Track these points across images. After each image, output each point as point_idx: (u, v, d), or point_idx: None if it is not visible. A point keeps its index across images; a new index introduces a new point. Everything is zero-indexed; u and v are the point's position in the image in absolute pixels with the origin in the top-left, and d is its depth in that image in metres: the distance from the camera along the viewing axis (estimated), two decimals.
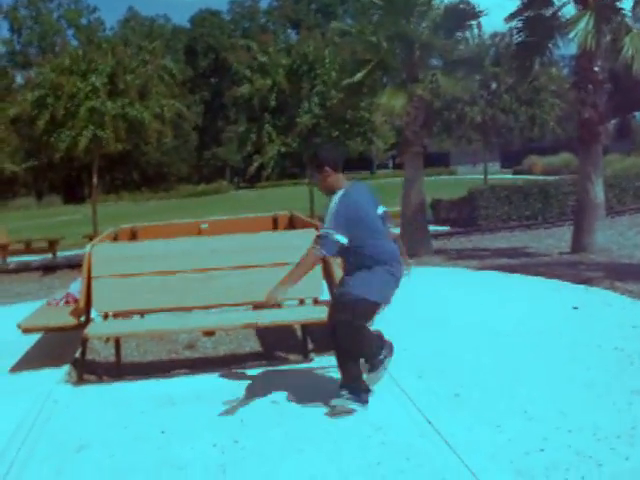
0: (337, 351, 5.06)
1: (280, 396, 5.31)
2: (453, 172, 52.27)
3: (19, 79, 56.79)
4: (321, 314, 6.17)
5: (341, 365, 5.06)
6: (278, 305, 7.03)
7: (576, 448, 4.10)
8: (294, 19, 78.63)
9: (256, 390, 5.51)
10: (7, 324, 6.94)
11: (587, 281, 9.09)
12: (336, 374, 5.37)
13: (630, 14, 12.07)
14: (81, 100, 18.85)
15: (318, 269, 6.57)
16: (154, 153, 49.97)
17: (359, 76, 14.40)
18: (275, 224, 8.90)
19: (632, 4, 11.98)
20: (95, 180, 21.00)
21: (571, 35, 11.67)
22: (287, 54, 21.19)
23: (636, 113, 46.36)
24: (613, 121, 17.97)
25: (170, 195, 52.66)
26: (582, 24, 11.47)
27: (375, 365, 5.08)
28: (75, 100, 18.87)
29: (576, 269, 10.33)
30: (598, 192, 12.31)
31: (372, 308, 4.99)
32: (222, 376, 5.98)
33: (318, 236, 4.95)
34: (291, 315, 6.46)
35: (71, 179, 57.37)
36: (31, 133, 21.32)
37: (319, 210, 20.21)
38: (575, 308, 7.52)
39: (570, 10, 12.67)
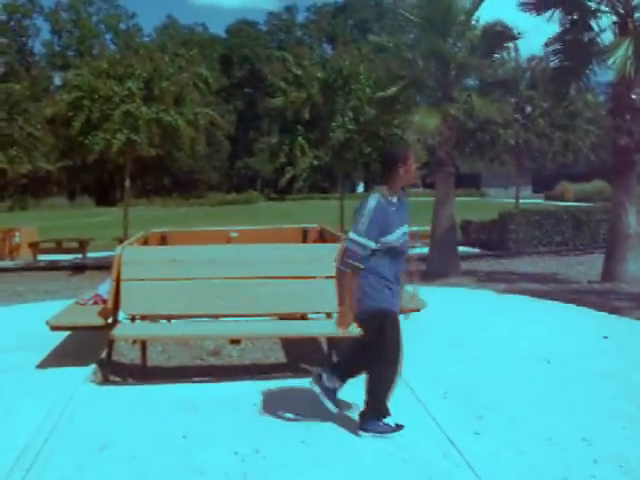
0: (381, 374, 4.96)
1: (303, 408, 5.30)
2: (484, 194, 52.02)
3: (57, 80, 57.60)
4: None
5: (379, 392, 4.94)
6: (305, 318, 7.06)
7: (600, 478, 4.05)
8: (330, 33, 79.00)
9: (279, 401, 5.51)
10: (36, 321, 7.00)
11: (617, 310, 9.00)
12: (356, 386, 5.39)
13: None
14: (116, 104, 19.03)
15: None
16: (186, 160, 50.25)
17: (393, 90, 14.39)
18: (305, 237, 8.92)
19: None
20: (127, 183, 21.15)
21: (610, 62, 11.59)
22: (322, 68, 21.24)
23: None
24: None
25: (200, 202, 52.92)
26: (621, 51, 11.38)
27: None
28: (111, 103, 19.05)
29: (606, 298, 10.23)
30: (631, 221, 12.18)
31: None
32: (246, 385, 5.99)
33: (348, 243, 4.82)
34: (318, 328, 6.45)
35: (104, 181, 57.97)
36: (66, 134, 21.51)
37: (348, 224, 20.20)
38: (605, 337, 7.43)
39: (608, 36, 12.62)
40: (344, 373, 5.12)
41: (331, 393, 5.06)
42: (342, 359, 5.25)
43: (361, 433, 4.83)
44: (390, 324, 4.90)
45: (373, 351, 4.92)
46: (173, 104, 20.10)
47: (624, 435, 4.71)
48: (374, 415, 4.85)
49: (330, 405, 5.02)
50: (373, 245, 4.79)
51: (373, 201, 4.86)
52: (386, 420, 4.85)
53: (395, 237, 4.90)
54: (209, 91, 22.94)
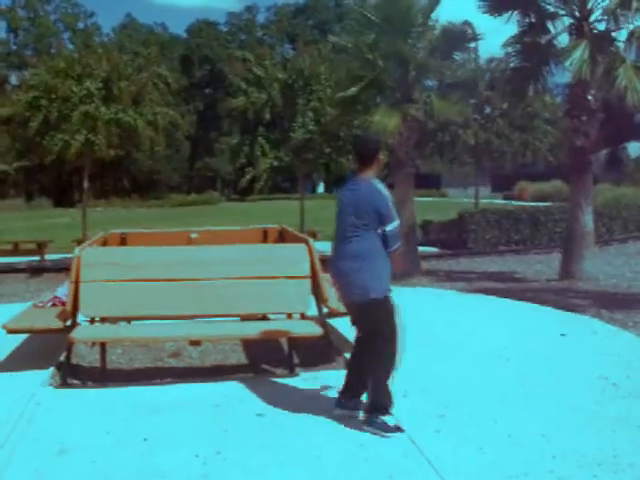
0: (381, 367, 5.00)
1: (264, 408, 5.30)
2: (444, 194, 52.42)
3: (13, 80, 56.73)
4: (308, 328, 6.18)
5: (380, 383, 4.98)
6: (266, 318, 7.05)
7: (558, 474, 4.11)
8: (291, 34, 78.91)
9: (241, 402, 5.50)
10: None
11: (574, 308, 9.15)
12: (317, 386, 5.42)
13: (624, 45, 12.17)
14: (75, 104, 18.83)
15: (307, 285, 6.59)
16: (146, 160, 49.95)
17: (353, 90, 14.42)
18: (265, 237, 8.90)
19: (627, 36, 12.09)
20: (86, 184, 20.96)
21: (567, 64, 11.76)
22: (283, 68, 21.25)
23: (627, 144, 46.79)
24: (604, 151, 18.06)
25: (160, 203, 52.49)
26: (578, 53, 11.55)
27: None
28: (69, 104, 18.85)
29: (563, 296, 10.38)
30: (588, 220, 12.37)
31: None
32: (207, 386, 5.96)
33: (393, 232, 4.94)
34: (279, 328, 6.44)
35: (62, 182, 57.17)
36: (23, 134, 21.24)
37: (309, 225, 20.23)
38: (562, 335, 7.54)
39: (565, 39, 12.81)
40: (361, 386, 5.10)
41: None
42: (351, 377, 5.19)
43: (365, 428, 4.85)
44: (394, 310, 5.03)
45: (378, 341, 4.94)
46: (132, 104, 19.96)
47: (582, 430, 4.78)
48: (380, 411, 4.89)
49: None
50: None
51: (381, 185, 5.00)
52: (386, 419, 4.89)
53: None
54: (169, 91, 22.84)
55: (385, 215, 4.91)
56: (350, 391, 5.13)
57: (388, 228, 4.92)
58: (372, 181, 5.01)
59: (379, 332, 4.95)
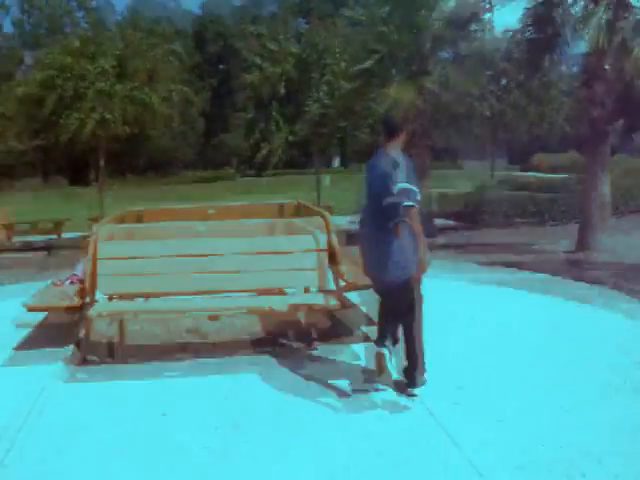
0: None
1: (283, 383, 5.34)
2: (460, 166, 52.10)
3: (28, 59, 56.76)
4: (326, 302, 6.18)
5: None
6: (282, 293, 7.07)
7: (577, 445, 4.12)
8: (305, 8, 78.34)
9: (259, 377, 5.53)
10: (12, 303, 6.97)
11: (591, 280, 9.11)
12: (337, 360, 5.45)
13: None
14: (90, 82, 18.82)
15: (324, 258, 6.59)
16: (161, 138, 49.92)
17: (368, 64, 14.34)
18: (281, 212, 8.90)
19: None
20: (102, 163, 20.99)
21: (583, 33, 11.60)
22: (297, 43, 21.12)
23: None
24: (622, 121, 17.85)
25: (176, 180, 52.58)
26: (594, 22, 11.38)
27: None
28: (84, 82, 18.83)
29: (580, 267, 10.34)
30: (604, 191, 12.27)
31: None
32: (225, 361, 6.00)
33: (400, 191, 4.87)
34: (297, 302, 6.44)
35: (78, 161, 57.29)
36: (39, 114, 21.26)
37: (325, 199, 20.19)
38: (579, 306, 7.52)
39: (581, 8, 12.60)
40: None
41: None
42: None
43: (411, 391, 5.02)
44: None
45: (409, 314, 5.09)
46: (147, 81, 19.91)
47: (600, 402, 4.79)
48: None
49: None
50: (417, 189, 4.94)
51: (399, 156, 4.99)
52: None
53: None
54: (183, 68, 22.76)
55: (393, 175, 4.87)
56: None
57: (397, 186, 4.86)
58: (390, 152, 5.02)
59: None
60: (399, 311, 5.08)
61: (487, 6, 14.30)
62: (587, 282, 9.00)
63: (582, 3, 12.50)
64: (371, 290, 6.45)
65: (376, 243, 4.99)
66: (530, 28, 13.25)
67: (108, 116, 18.69)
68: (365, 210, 5.24)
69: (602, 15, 11.33)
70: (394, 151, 5.04)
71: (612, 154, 14.42)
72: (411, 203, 4.85)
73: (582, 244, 12.25)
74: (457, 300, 8.02)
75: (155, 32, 21.63)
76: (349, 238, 13.54)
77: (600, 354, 5.85)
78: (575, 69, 27.46)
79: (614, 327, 6.75)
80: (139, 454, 4.22)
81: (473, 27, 15.21)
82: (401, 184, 4.84)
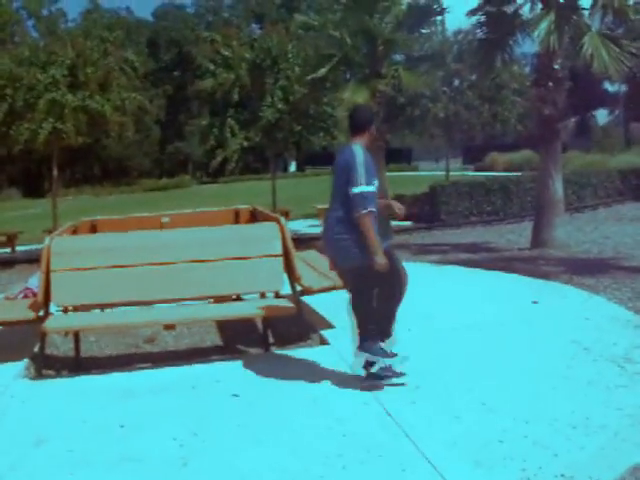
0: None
1: (240, 389, 5.31)
2: (415, 168, 52.48)
3: None
4: (282, 307, 6.18)
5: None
6: (239, 299, 7.06)
7: (533, 438, 4.17)
8: (258, 13, 78.29)
9: (217, 383, 5.51)
10: None
11: (546, 275, 9.24)
12: (294, 364, 5.44)
13: (589, 14, 12.22)
14: (41, 92, 18.55)
15: (279, 263, 6.59)
16: (115, 147, 49.46)
17: (323, 71, 14.40)
18: (237, 218, 8.88)
19: (591, 3, 12.12)
20: (55, 173, 20.69)
21: (534, 34, 11.77)
22: (251, 48, 21.07)
23: (595, 112, 47.14)
24: (573, 119, 18.15)
25: (132, 189, 52.09)
26: (544, 23, 11.55)
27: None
28: (34, 92, 18.57)
29: (535, 264, 10.47)
30: (557, 188, 12.45)
31: None
32: (182, 370, 5.96)
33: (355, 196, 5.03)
34: (252, 308, 6.44)
35: (30, 172, 56.46)
36: None
37: (281, 204, 20.19)
38: (535, 302, 7.62)
39: (530, 8, 12.80)
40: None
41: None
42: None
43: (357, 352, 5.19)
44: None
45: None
46: (99, 90, 19.69)
47: (554, 395, 4.85)
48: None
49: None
50: (373, 189, 5.12)
51: (359, 150, 5.14)
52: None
53: (375, 187, 5.17)
54: (136, 75, 22.53)
55: (352, 175, 5.02)
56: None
57: (353, 190, 5.02)
58: (353, 145, 5.19)
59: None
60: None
61: (438, 9, 14.46)
62: (540, 277, 9.12)
63: (529, 4, 12.70)
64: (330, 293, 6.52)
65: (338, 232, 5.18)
66: (481, 28, 13.42)
67: (60, 126, 18.45)
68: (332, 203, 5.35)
69: (552, 17, 11.51)
70: (358, 147, 5.18)
71: (564, 151, 14.64)
72: (366, 211, 5.00)
73: (537, 241, 12.42)
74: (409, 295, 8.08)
75: (107, 39, 21.28)
76: (307, 242, 13.58)
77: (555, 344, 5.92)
78: (527, 69, 27.97)
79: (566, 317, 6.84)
80: (96, 468, 4.15)
81: (425, 29, 15.36)
82: (361, 187, 5.01)
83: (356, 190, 5.01)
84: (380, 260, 5.02)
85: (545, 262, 10.67)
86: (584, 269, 9.58)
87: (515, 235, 14.90)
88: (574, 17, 12.17)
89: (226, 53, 20.34)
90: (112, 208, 30.52)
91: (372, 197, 5.09)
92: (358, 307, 5.22)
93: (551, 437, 4.18)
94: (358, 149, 5.14)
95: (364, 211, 5.01)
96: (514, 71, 26.06)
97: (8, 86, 18.44)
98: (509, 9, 13.08)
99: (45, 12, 75.25)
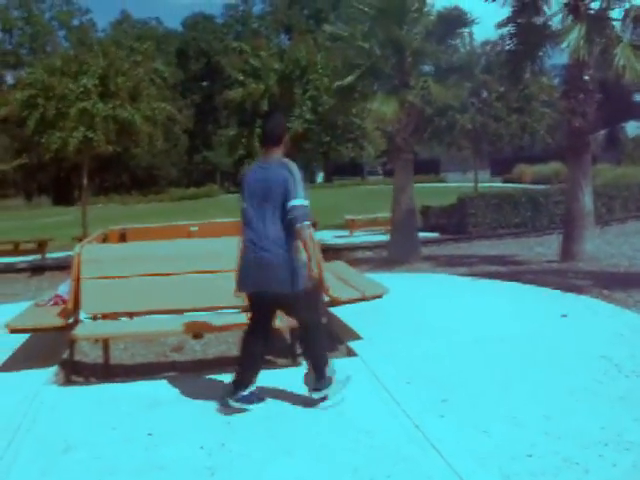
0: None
1: (268, 399, 5.30)
2: (443, 179, 52.36)
3: (9, 79, 56.66)
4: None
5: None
6: None
7: (563, 454, 4.12)
8: (286, 24, 78.74)
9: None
10: None
11: (575, 289, 9.15)
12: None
13: (620, 24, 12.13)
14: (72, 101, 18.81)
15: None
16: (144, 156, 49.89)
17: (350, 79, 14.40)
18: None
19: (622, 15, 12.04)
20: (85, 182, 20.95)
21: (563, 45, 11.71)
22: (280, 59, 21.21)
23: (625, 123, 46.69)
24: (603, 131, 18.00)
25: (160, 198, 52.53)
26: (574, 34, 11.51)
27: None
28: (66, 101, 18.83)
29: (564, 277, 10.38)
30: (587, 201, 12.36)
31: None
32: (210, 379, 5.97)
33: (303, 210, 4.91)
34: (281, 318, 6.43)
35: (61, 180, 57.19)
36: (21, 133, 21.25)
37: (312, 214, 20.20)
38: (564, 316, 7.54)
39: (561, 19, 12.73)
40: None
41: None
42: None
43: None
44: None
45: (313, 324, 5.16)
46: (129, 100, 19.92)
47: (585, 411, 4.79)
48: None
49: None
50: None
51: (297, 169, 5.00)
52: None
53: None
54: (166, 85, 22.78)
55: (290, 190, 4.88)
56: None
57: (292, 203, 4.88)
58: (290, 163, 5.03)
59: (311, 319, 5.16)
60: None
61: (468, 19, 14.43)
62: (569, 291, 9.03)
63: (560, 15, 12.65)
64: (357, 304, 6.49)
65: (275, 253, 4.94)
66: (511, 39, 13.37)
67: (91, 135, 18.67)
68: (252, 220, 5.10)
69: (581, 27, 11.45)
70: (283, 159, 5.09)
71: (594, 163, 14.52)
72: (308, 223, 4.93)
73: (566, 254, 12.32)
74: (437, 307, 8.04)
75: (137, 50, 21.54)
76: (334, 252, 13.58)
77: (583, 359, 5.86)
78: (556, 80, 27.79)
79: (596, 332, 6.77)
80: (124, 475, 4.17)
81: (453, 41, 15.32)
82: (303, 200, 4.91)
83: (299, 202, 4.87)
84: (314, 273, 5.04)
85: (574, 275, 10.57)
86: (614, 283, 9.48)
87: (544, 248, 14.79)
88: (604, 28, 12.10)
89: (255, 63, 20.50)
90: (140, 216, 30.77)
91: (308, 211, 4.96)
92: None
93: (582, 453, 4.12)
94: (296, 168, 4.99)
95: (302, 225, 4.88)
96: (543, 82, 25.94)
97: (40, 95, 18.71)
98: (539, 20, 13.05)
99: (76, 23, 76.29)
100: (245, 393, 5.07)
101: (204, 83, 74.78)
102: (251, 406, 5.07)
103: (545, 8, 12.90)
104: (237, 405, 5.05)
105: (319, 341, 5.18)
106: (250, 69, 20.77)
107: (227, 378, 5.86)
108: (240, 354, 5.27)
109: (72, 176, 50.57)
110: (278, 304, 5.14)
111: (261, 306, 5.17)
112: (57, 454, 4.51)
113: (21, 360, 6.77)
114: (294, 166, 5.00)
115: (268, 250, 4.95)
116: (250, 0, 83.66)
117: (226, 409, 5.07)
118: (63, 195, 57.54)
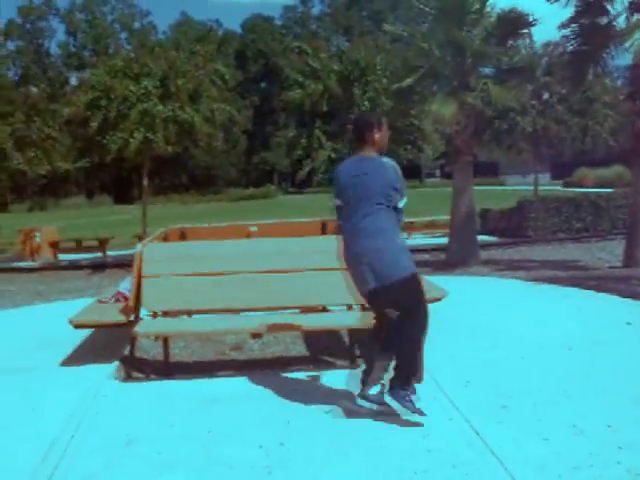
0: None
1: (326, 400, 5.31)
2: (502, 182, 51.77)
3: (73, 81, 57.95)
4: (368, 320, 6.15)
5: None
6: (325, 310, 7.07)
7: (627, 465, 4.02)
8: (345, 25, 78.81)
9: (302, 393, 5.52)
10: (58, 320, 7.07)
11: (639, 296, 8.94)
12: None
13: None
14: (133, 103, 19.13)
15: None
16: (203, 156, 50.54)
17: (409, 81, 14.36)
18: (324, 229, 8.92)
19: None
20: (145, 181, 21.28)
21: (627, 44, 11.49)
22: (339, 60, 21.21)
23: None
24: None
25: (218, 198, 53.11)
26: (639, 34, 11.27)
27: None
28: (127, 103, 19.16)
29: (628, 284, 10.17)
30: None
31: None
32: (268, 378, 6.00)
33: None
34: (339, 320, 6.45)
35: (121, 180, 58.27)
36: (84, 133, 21.68)
37: None
38: (628, 324, 7.38)
39: (625, 19, 12.48)
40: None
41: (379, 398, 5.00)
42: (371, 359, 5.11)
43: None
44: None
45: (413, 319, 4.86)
46: (189, 101, 20.16)
47: None
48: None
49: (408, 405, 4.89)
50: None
51: (396, 165, 4.98)
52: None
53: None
54: (226, 87, 22.99)
55: (399, 189, 4.92)
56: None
57: (401, 204, 4.94)
58: (386, 160, 4.99)
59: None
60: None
61: (529, 20, 14.24)
62: (633, 298, 8.83)
63: (624, 15, 12.39)
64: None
65: (383, 243, 4.79)
66: (574, 40, 13.15)
67: (151, 136, 18.95)
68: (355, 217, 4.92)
69: None
70: (378, 156, 5.03)
71: None
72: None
73: (629, 259, 12.06)
74: (496, 311, 7.95)
75: (198, 52, 21.79)
76: None
77: None
78: (619, 82, 27.21)
79: None
80: (184, 471, 4.23)
81: (514, 42, 15.15)
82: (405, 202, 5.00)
83: (405, 202, 4.99)
84: None
85: (638, 282, 10.34)
86: None
87: (606, 253, 14.51)
88: None
89: (315, 64, 20.52)
90: (199, 216, 31.15)
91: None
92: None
93: None
94: (394, 164, 5.01)
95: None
96: (606, 84, 25.44)
97: (102, 97, 19.06)
98: (603, 20, 12.80)
99: (137, 25, 77.75)
100: (372, 392, 5.02)
101: (262, 84, 75.39)
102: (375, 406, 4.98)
103: (609, 8, 12.65)
104: (366, 405, 5.00)
105: (420, 337, 4.93)
106: (309, 70, 20.80)
107: (284, 379, 5.92)
108: (370, 353, 5.16)
109: (132, 176, 51.52)
110: (397, 293, 4.85)
111: (380, 301, 4.99)
112: (120, 447, 4.60)
113: (84, 355, 6.92)
114: (390, 165, 4.98)
115: (373, 243, 4.80)
116: (309, 2, 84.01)
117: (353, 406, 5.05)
118: (123, 194, 58.66)
